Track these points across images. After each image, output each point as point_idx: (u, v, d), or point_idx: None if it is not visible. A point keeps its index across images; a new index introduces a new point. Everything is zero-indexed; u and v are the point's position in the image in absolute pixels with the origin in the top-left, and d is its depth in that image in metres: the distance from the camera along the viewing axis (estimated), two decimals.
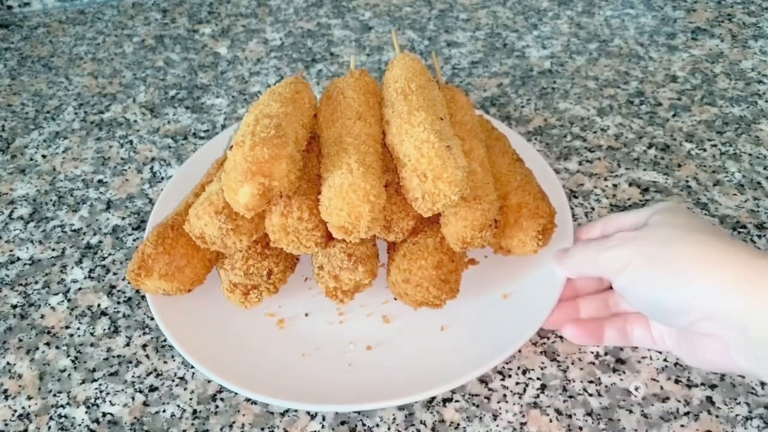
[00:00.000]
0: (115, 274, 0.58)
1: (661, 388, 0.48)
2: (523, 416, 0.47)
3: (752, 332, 0.38)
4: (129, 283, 0.53)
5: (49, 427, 0.47)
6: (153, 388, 0.49)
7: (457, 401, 0.47)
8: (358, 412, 0.47)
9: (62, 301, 0.56)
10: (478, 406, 0.47)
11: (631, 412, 0.47)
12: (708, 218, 0.60)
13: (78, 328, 0.54)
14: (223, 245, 0.48)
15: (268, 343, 0.50)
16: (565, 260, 0.50)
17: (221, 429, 0.47)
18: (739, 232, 0.58)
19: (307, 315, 0.52)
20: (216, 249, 0.49)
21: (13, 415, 0.48)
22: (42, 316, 0.55)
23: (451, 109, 0.56)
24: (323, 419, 0.47)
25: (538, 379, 0.49)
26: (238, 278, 0.49)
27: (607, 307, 0.51)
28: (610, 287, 0.50)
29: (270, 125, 0.46)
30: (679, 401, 0.47)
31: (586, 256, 0.47)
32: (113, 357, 0.51)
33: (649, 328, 0.48)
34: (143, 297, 0.56)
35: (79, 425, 0.47)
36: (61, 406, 0.49)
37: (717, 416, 0.46)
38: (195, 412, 0.48)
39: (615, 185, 0.64)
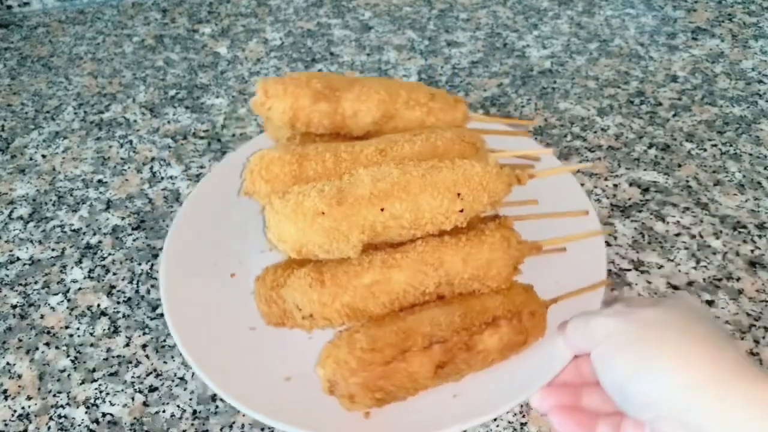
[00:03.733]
0: (114, 274, 0.58)
1: None
2: (523, 416, 0.47)
3: None
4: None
5: (49, 427, 0.47)
6: (153, 389, 0.49)
7: None
8: None
9: (62, 301, 0.56)
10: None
11: None
12: (708, 218, 0.60)
13: (78, 328, 0.54)
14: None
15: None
16: (564, 329, 0.44)
17: (221, 429, 0.47)
18: (740, 232, 0.58)
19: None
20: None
21: (13, 415, 0.48)
22: (42, 316, 0.55)
23: (465, 266, 0.45)
24: None
25: None
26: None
27: (611, 402, 0.42)
28: None
29: (330, 83, 0.51)
30: None
31: (580, 322, 0.42)
32: (113, 357, 0.51)
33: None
34: (143, 297, 0.56)
35: (79, 425, 0.47)
36: (61, 406, 0.49)
37: None
38: (195, 412, 0.48)
39: (615, 185, 0.64)
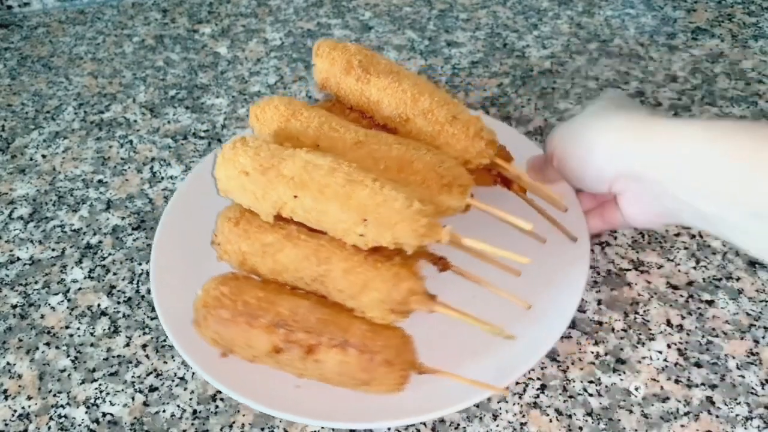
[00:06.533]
0: (115, 274, 0.58)
1: (661, 388, 0.48)
2: (523, 416, 0.47)
3: (652, 178, 0.44)
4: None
5: (49, 427, 0.47)
6: (153, 388, 0.49)
7: None
8: None
9: (62, 301, 0.56)
10: (478, 406, 0.47)
11: (631, 412, 0.47)
12: None
13: (78, 328, 0.54)
14: None
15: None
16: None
17: (221, 429, 0.47)
18: None
19: None
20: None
21: (13, 415, 0.48)
22: (42, 316, 0.55)
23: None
24: None
25: (538, 379, 0.49)
26: None
27: (590, 202, 0.55)
28: None
29: (370, 63, 0.53)
30: (679, 401, 0.47)
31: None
32: (113, 357, 0.51)
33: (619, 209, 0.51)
34: (143, 297, 0.56)
35: (79, 425, 0.47)
36: (61, 406, 0.49)
37: (717, 416, 0.46)
38: (195, 412, 0.48)
39: None
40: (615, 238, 0.58)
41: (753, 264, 0.56)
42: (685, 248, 0.57)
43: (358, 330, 0.44)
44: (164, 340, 0.52)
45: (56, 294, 0.56)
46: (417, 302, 0.44)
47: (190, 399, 0.48)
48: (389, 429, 0.46)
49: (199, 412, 0.48)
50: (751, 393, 0.47)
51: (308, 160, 0.44)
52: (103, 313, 0.55)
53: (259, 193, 0.44)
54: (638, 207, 0.47)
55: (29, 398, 0.49)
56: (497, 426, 0.46)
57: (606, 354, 0.50)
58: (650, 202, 0.46)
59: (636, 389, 0.48)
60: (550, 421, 0.46)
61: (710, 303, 0.53)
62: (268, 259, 0.46)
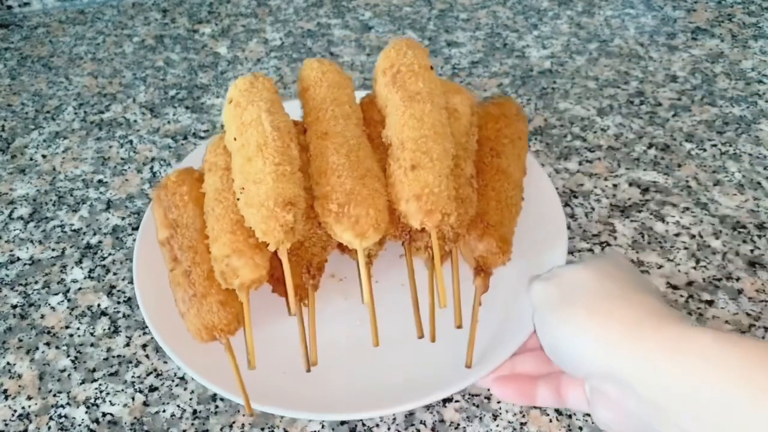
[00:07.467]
0: (115, 274, 0.58)
1: None
2: (523, 416, 0.47)
3: (640, 391, 0.34)
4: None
5: (49, 427, 0.47)
6: (153, 388, 0.49)
7: (457, 401, 0.48)
8: None
9: (62, 301, 0.56)
10: (478, 406, 0.47)
11: None
12: (708, 218, 0.60)
13: (78, 328, 0.54)
14: None
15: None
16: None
17: (221, 429, 0.47)
18: (739, 232, 0.58)
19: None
20: None
21: (13, 415, 0.48)
22: (42, 316, 0.55)
23: None
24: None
25: None
26: None
27: (547, 363, 0.44)
28: None
29: (410, 77, 0.51)
30: None
31: (529, 285, 0.44)
32: (113, 357, 0.51)
33: (582, 388, 0.40)
34: None
35: (79, 425, 0.47)
36: (61, 406, 0.49)
37: None
38: (195, 412, 0.48)
39: (615, 185, 0.64)
40: (615, 238, 0.58)
41: (753, 264, 0.56)
42: (685, 248, 0.57)
43: (202, 270, 0.47)
44: None
45: (56, 294, 0.56)
46: (236, 284, 0.45)
47: (190, 399, 0.48)
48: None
49: (199, 412, 0.48)
50: None
51: (261, 117, 0.47)
52: (103, 313, 0.55)
53: (228, 122, 0.50)
54: (614, 415, 0.37)
55: (29, 398, 0.49)
56: (497, 426, 0.46)
57: None
58: (632, 416, 0.35)
59: None
60: (550, 421, 0.46)
61: (710, 303, 0.53)
62: (207, 175, 0.52)
